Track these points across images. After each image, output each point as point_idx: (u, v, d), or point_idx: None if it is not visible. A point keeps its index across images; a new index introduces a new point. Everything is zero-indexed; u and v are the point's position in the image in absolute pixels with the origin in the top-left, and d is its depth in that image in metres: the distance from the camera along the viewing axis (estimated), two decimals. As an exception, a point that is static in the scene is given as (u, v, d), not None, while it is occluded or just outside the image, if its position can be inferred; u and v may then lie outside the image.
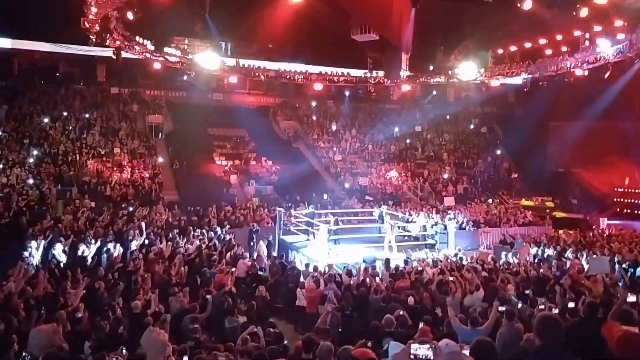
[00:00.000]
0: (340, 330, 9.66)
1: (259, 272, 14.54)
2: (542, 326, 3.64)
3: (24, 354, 1.87)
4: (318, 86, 29.99)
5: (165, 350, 2.23)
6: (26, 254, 13.12)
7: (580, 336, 5.07)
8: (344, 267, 13.74)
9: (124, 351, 6.53)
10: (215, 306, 10.31)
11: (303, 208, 21.74)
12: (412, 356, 2.80)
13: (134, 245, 15.14)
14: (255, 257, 16.03)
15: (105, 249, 14.18)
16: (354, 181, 29.41)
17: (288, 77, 29.72)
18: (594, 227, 23.33)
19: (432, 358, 2.78)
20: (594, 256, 14.89)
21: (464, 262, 14.33)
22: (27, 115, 27.47)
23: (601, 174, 27.57)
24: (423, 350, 2.81)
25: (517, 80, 28.14)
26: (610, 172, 27.59)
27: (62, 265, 12.92)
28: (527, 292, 10.94)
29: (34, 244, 13.84)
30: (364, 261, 15.25)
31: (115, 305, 9.78)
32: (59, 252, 13.65)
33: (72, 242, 14.53)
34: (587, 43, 25.48)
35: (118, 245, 14.56)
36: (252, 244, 18.10)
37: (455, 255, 15.97)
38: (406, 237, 19.28)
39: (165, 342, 2.13)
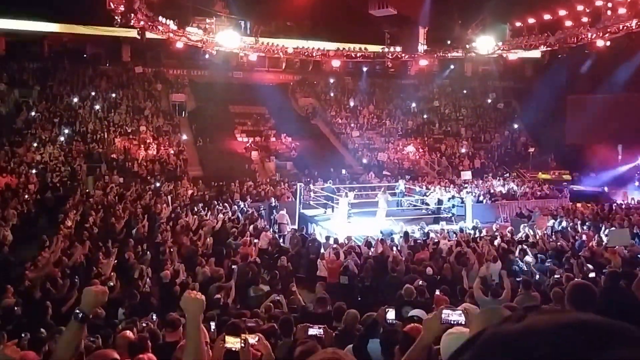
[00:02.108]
0: (359, 299, 10.29)
1: (281, 244, 15.32)
2: (576, 294, 3.43)
3: (76, 310, 2.31)
4: (336, 63, 30.34)
5: (203, 309, 2.56)
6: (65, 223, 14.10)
7: (602, 305, 5.12)
8: (364, 239, 14.42)
9: (155, 317, 7.12)
10: (241, 276, 10.84)
11: (322, 183, 22.40)
12: (443, 322, 2.72)
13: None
14: (276, 228, 16.84)
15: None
16: (371, 156, 29.89)
17: (306, 54, 30.15)
18: (613, 199, 23.41)
19: (463, 323, 2.70)
20: (612, 229, 14.84)
21: (482, 235, 14.81)
22: (58, 96, 28.50)
23: (621, 147, 27.43)
24: (454, 316, 2.73)
25: (536, 53, 28.09)
26: (630, 145, 27.40)
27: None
28: (546, 264, 11.13)
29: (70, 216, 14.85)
30: (381, 233, 15.92)
31: (145, 275, 10.49)
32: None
33: (103, 215, 15.48)
34: (609, 13, 25.20)
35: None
36: (271, 217, 18.74)
37: (474, 228, 16.42)
38: (424, 211, 19.84)
39: (204, 301, 2.47)
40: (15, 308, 7.96)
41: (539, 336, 0.64)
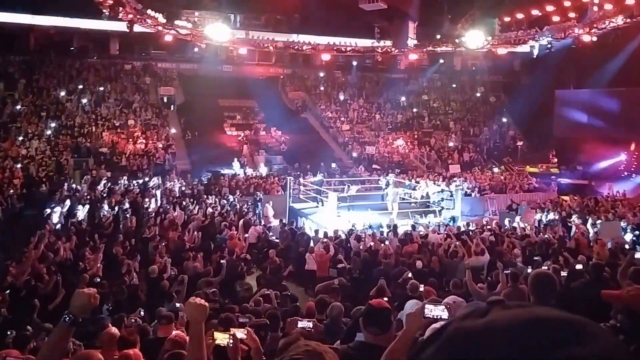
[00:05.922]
0: (349, 292, 10.27)
1: (270, 238, 15.30)
2: (536, 283, 3.56)
3: (65, 313, 2.25)
4: (326, 56, 30.20)
5: (207, 315, 2.60)
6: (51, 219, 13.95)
7: (587, 296, 5.06)
8: (352, 232, 14.45)
9: (142, 313, 7.02)
10: (229, 270, 10.89)
11: (311, 177, 22.41)
12: (425, 316, 2.72)
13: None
14: (262, 221, 16.85)
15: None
16: (361, 150, 29.90)
17: (296, 47, 30.00)
18: (598, 192, 23.67)
19: (446, 318, 2.65)
20: (599, 221, 15.18)
21: (469, 228, 14.94)
22: (44, 89, 28.10)
23: (607, 141, 27.59)
24: (437, 311, 2.73)
25: (524, 48, 28.18)
26: (617, 139, 27.53)
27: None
28: (535, 258, 11.10)
29: (57, 209, 14.69)
30: (369, 227, 15.97)
31: (132, 270, 10.40)
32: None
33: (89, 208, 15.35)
34: (595, 8, 25.37)
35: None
36: (257, 211, 18.66)
37: (452, 218, 16.52)
38: (412, 204, 19.94)
39: (207, 307, 2.50)
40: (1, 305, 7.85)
41: (499, 333, 0.65)
